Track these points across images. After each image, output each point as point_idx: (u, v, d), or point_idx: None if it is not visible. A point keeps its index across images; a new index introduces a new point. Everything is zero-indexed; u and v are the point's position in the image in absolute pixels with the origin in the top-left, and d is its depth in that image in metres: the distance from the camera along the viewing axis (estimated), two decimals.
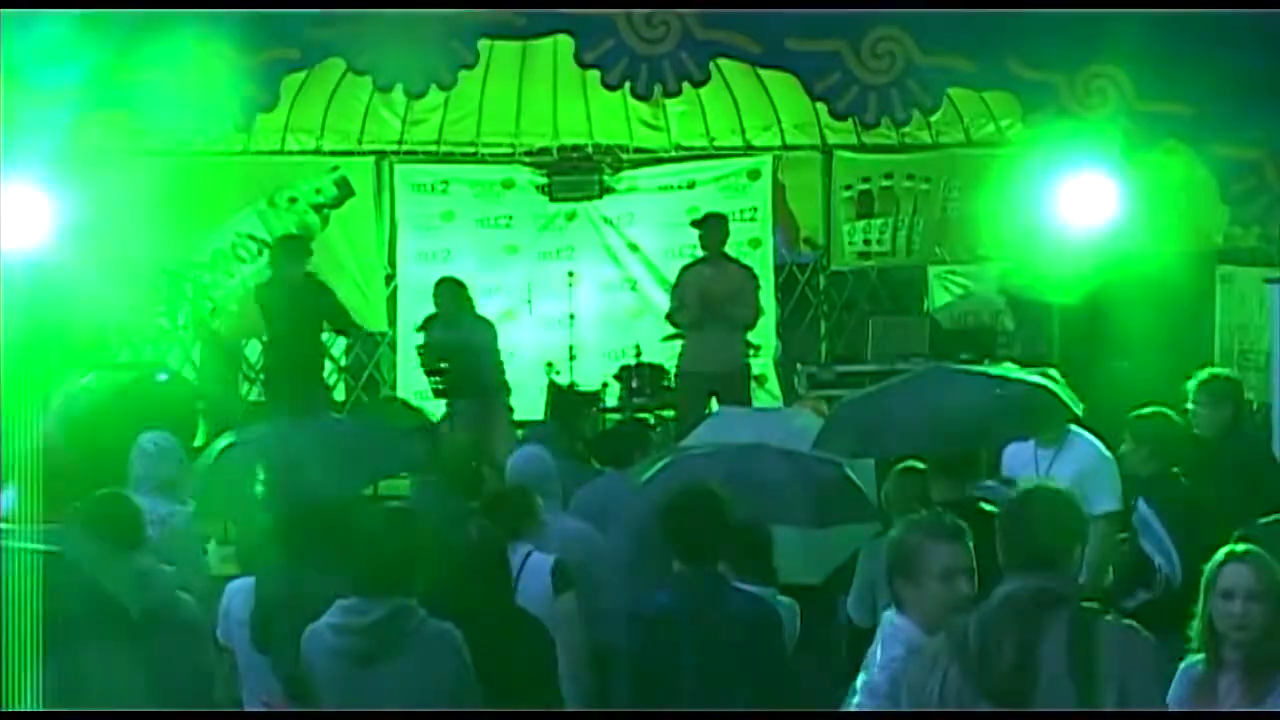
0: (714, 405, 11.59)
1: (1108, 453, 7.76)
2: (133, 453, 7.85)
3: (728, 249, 12.11)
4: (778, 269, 14.05)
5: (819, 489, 6.49)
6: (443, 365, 11.79)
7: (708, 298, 11.69)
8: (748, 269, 12.34)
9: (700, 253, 12.06)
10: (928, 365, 10.77)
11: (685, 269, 12.15)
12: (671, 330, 12.81)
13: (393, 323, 13.90)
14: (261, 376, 12.84)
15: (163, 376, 11.83)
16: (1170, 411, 7.44)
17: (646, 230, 14.09)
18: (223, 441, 7.49)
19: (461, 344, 11.68)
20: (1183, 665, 4.83)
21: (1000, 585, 4.18)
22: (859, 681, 4.77)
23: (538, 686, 5.84)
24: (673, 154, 14.05)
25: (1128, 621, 4.11)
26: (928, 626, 4.68)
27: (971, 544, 4.74)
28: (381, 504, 6.91)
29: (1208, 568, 4.90)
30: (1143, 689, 4.07)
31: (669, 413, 12.80)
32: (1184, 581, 6.42)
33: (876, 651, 4.77)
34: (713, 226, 12.03)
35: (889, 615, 4.82)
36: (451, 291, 12.05)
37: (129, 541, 5.86)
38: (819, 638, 6.52)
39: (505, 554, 6.13)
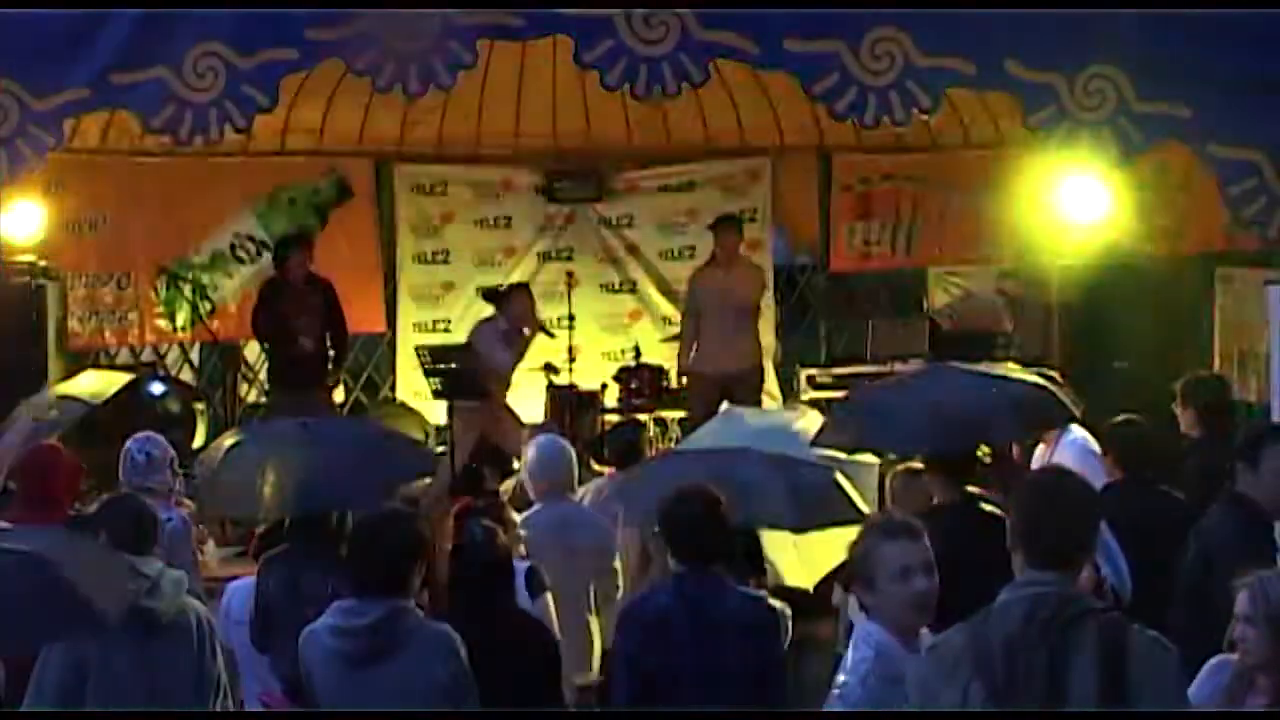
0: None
1: (1097, 448, 7.78)
2: (121, 459, 7.79)
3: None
4: (777, 270, 14.05)
5: (803, 492, 6.49)
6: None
7: (722, 299, 11.78)
8: (758, 269, 12.42)
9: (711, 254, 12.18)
10: (930, 363, 10.79)
11: (699, 271, 12.26)
12: (674, 331, 12.84)
13: (391, 324, 13.89)
14: (261, 377, 12.85)
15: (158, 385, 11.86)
16: (1140, 419, 7.45)
17: (646, 231, 14.09)
18: (227, 441, 7.49)
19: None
20: (1215, 659, 4.82)
21: (1015, 586, 4.10)
22: (836, 684, 4.77)
23: (544, 688, 5.83)
24: (672, 155, 14.04)
25: (1153, 634, 4.06)
26: (894, 628, 4.68)
27: (926, 541, 4.74)
28: (379, 505, 6.88)
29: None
30: (1173, 707, 4.02)
31: (669, 414, 12.81)
32: (1134, 595, 6.42)
33: (848, 654, 4.77)
34: (726, 229, 12.14)
35: (858, 619, 4.82)
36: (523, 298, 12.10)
37: (141, 547, 5.83)
38: (812, 640, 6.51)
39: (510, 554, 6.13)
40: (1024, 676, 3.97)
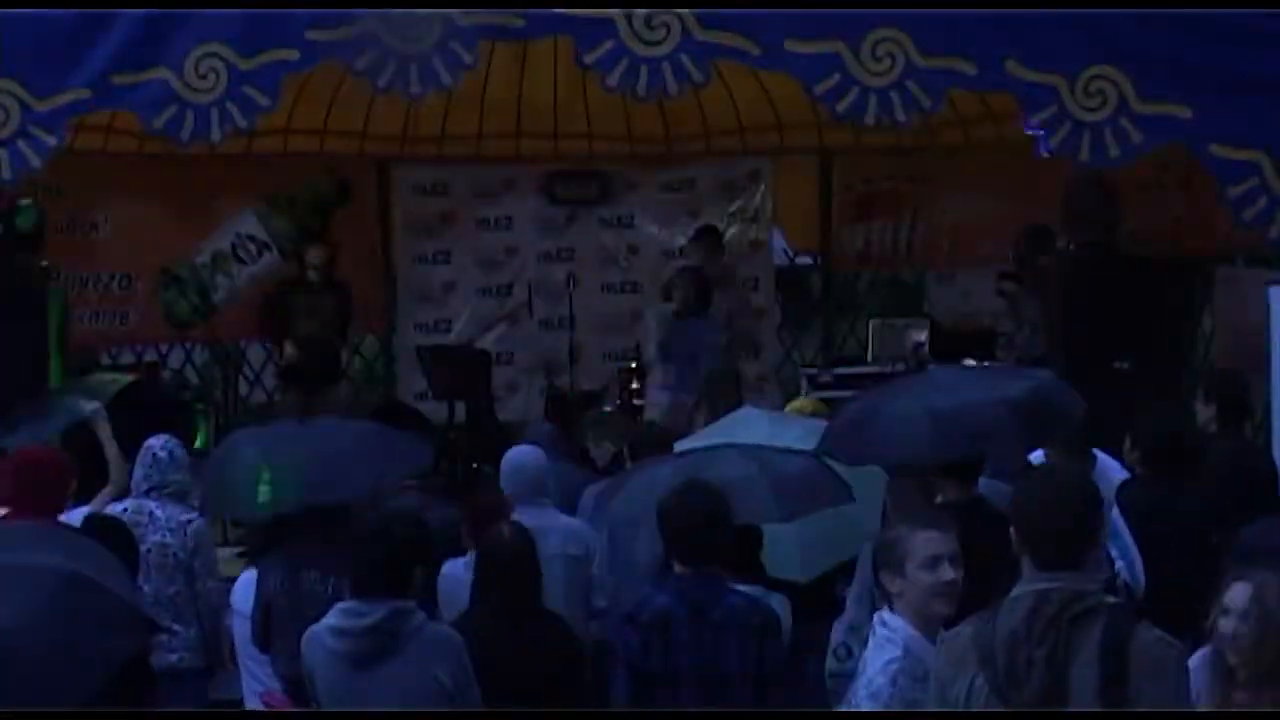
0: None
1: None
2: (139, 457, 7.76)
3: (728, 251, 12.28)
4: (777, 270, 14.05)
5: (782, 483, 6.44)
6: None
7: (695, 300, 11.84)
8: (733, 269, 12.44)
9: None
10: (927, 366, 10.75)
11: (676, 273, 12.33)
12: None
13: (391, 324, 13.90)
14: (263, 378, 12.87)
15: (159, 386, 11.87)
16: (1170, 416, 7.44)
17: (646, 231, 14.09)
18: (227, 442, 7.49)
19: None
20: (1198, 654, 4.81)
21: (1024, 583, 4.10)
22: (858, 685, 4.77)
23: (569, 688, 5.81)
24: (672, 155, 14.05)
25: (1158, 632, 4.06)
26: (919, 620, 4.71)
27: (956, 535, 4.78)
28: (380, 505, 6.89)
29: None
30: (1174, 704, 4.03)
31: None
32: (1147, 589, 6.40)
33: (871, 655, 4.78)
34: (706, 239, 12.32)
35: (880, 616, 4.83)
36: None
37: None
38: (812, 640, 6.50)
39: (536, 553, 6.11)
40: (1024, 671, 3.99)
